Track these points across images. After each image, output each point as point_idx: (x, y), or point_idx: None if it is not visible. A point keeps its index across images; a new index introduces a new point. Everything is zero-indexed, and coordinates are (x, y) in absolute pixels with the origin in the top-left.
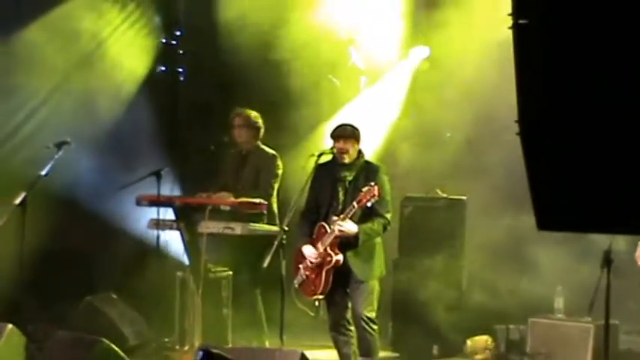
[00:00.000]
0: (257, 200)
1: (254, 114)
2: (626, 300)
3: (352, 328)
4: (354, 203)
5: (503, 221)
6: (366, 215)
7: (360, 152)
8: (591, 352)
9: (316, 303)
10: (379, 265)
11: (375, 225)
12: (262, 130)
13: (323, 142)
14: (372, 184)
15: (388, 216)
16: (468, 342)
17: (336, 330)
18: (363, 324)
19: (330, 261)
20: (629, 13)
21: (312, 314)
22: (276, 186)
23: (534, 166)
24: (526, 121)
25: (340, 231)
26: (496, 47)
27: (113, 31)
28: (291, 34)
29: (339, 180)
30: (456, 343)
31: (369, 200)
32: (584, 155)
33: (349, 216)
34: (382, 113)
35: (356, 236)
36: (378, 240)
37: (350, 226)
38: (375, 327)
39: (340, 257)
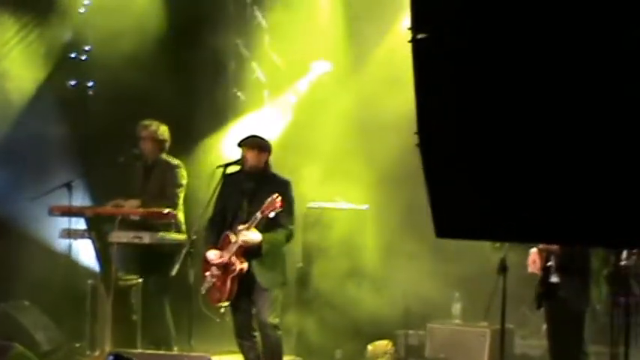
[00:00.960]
0: (166, 210)
1: (159, 126)
2: (520, 305)
3: (257, 334)
4: (258, 213)
5: (403, 228)
6: (270, 225)
7: (267, 164)
8: (487, 355)
9: (222, 309)
10: (283, 273)
11: (279, 235)
12: (168, 143)
13: (228, 153)
14: (275, 195)
15: (292, 227)
16: (369, 347)
17: (242, 336)
18: (268, 330)
19: (235, 269)
20: (523, 27)
21: (218, 320)
22: (181, 195)
23: (433, 176)
24: (425, 132)
25: (244, 240)
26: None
27: (9, 47)
28: (199, 50)
29: (245, 191)
30: (357, 348)
31: (272, 211)
32: (480, 165)
33: (253, 225)
34: (279, 125)
35: (259, 245)
36: (282, 249)
37: (254, 236)
38: (279, 333)
39: (245, 265)
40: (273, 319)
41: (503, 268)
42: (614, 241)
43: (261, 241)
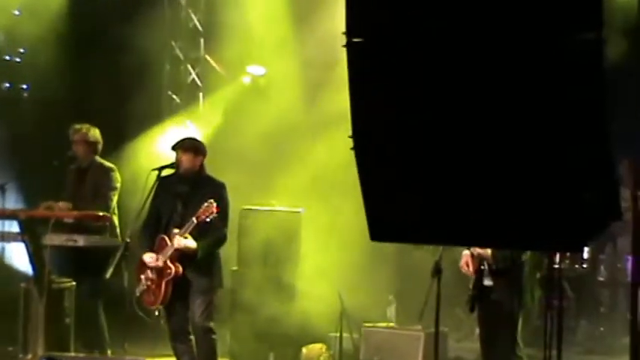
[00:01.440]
0: (100, 213)
1: (90, 129)
2: (455, 308)
3: (192, 337)
4: (194, 219)
5: (339, 231)
6: (205, 229)
7: (202, 166)
8: (422, 358)
9: (156, 312)
10: (218, 277)
11: (214, 240)
12: (100, 145)
13: (163, 156)
14: (211, 201)
15: (225, 230)
16: (304, 350)
17: (176, 340)
18: (202, 334)
19: (170, 273)
20: (450, 35)
21: (150, 319)
22: (115, 198)
23: (367, 180)
24: (359, 135)
25: (179, 246)
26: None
27: None
28: (134, 52)
29: (180, 194)
30: (291, 352)
31: (207, 217)
32: (411, 169)
33: (188, 231)
34: (213, 128)
35: (195, 251)
36: (218, 253)
37: (189, 243)
38: (213, 337)
39: (180, 269)
40: (207, 323)
41: (437, 271)
42: (545, 245)
43: (197, 249)
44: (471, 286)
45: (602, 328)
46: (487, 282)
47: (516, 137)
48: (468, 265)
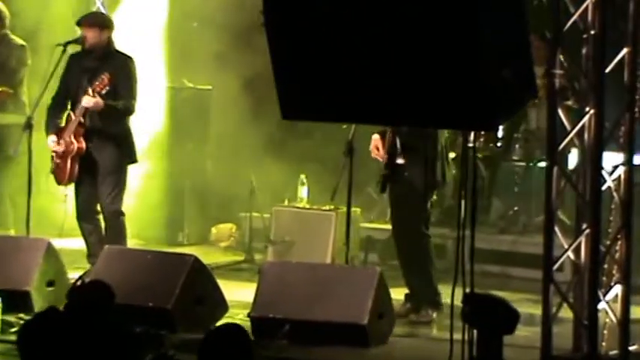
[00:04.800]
0: (9, 90)
1: None
2: (366, 188)
3: (100, 217)
4: (89, 89)
5: (249, 110)
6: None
7: (109, 41)
8: (332, 238)
9: (65, 191)
10: (127, 151)
11: (121, 105)
12: (7, 19)
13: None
14: (106, 73)
15: (133, 102)
16: (213, 230)
17: (83, 219)
18: (110, 217)
19: (73, 149)
20: None
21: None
22: (25, 75)
23: (278, 59)
24: (270, 12)
25: (87, 105)
26: None
27: None
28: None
29: (86, 69)
30: (201, 231)
31: (102, 89)
32: (324, 48)
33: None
34: None
35: (104, 111)
36: (127, 125)
37: (94, 101)
38: (122, 218)
39: (83, 145)
40: (115, 206)
41: (349, 150)
42: (460, 123)
43: (104, 105)
44: (382, 167)
45: (516, 208)
46: (399, 160)
47: (433, 13)
48: (377, 149)
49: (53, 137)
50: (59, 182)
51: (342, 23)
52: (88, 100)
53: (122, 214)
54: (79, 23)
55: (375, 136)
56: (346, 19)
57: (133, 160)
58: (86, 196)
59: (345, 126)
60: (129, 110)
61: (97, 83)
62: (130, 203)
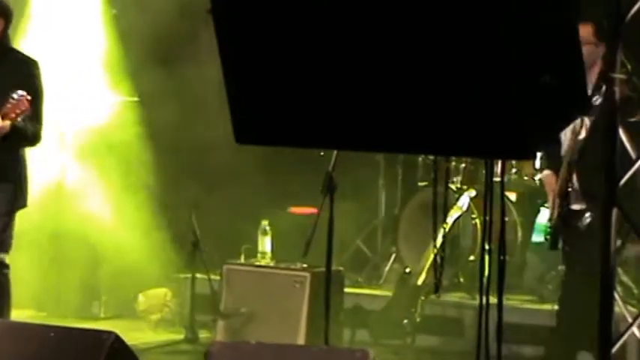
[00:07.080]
0: None
1: None
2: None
3: None
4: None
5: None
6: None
7: (5, 35)
8: (306, 309)
9: None
10: (21, 194)
11: (29, 130)
12: None
13: None
14: (22, 93)
15: (40, 128)
16: (140, 297)
17: None
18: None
19: None
20: None
21: None
22: None
23: (231, 80)
24: (217, 10)
25: None
26: None
27: None
28: None
29: None
30: (124, 299)
31: (18, 115)
32: (278, 72)
33: None
34: None
35: (7, 135)
36: (24, 163)
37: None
38: (5, 272)
39: None
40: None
41: (329, 186)
42: (478, 148)
43: (11, 128)
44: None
45: (560, 267)
46: (575, 206)
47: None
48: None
49: None
50: None
51: (322, 20)
52: None
53: (5, 266)
54: None
55: (547, 172)
56: (328, 15)
57: (23, 205)
58: None
59: (322, 152)
60: (36, 138)
61: (8, 106)
62: (21, 258)
